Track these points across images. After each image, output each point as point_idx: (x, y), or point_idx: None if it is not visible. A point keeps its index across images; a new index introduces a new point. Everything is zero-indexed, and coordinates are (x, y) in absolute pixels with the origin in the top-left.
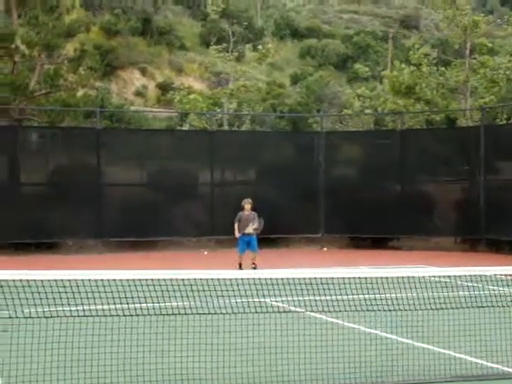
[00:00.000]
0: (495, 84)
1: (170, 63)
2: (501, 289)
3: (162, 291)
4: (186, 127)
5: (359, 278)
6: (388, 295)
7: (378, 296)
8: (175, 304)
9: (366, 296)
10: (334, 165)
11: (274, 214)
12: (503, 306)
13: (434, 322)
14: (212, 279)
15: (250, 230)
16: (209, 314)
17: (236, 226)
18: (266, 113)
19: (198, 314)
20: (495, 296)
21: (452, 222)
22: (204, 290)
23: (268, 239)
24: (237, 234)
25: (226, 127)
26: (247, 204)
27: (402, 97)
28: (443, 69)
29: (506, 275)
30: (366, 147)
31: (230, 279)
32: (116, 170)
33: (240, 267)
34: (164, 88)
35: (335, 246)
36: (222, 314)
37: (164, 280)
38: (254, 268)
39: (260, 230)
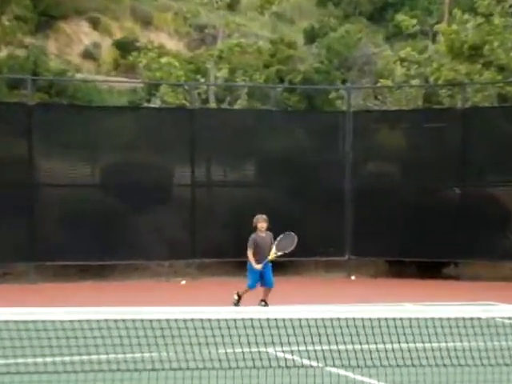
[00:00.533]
0: None
1: (132, 12)
2: None
3: (121, 337)
4: (155, 103)
5: (400, 318)
6: (442, 344)
7: (427, 345)
8: (139, 355)
9: (411, 345)
10: (367, 158)
11: (280, 227)
12: None
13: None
14: (192, 320)
15: (272, 256)
16: (188, 369)
17: (250, 253)
18: (270, 84)
19: (172, 369)
20: None
21: None
22: (181, 336)
23: (273, 264)
24: (257, 266)
25: (212, 104)
26: (261, 222)
27: (464, 61)
28: None
29: None
30: (413, 133)
31: (218, 320)
32: (56, 164)
33: (238, 303)
34: (124, 48)
35: (367, 273)
36: (206, 369)
37: (123, 321)
38: (265, 305)
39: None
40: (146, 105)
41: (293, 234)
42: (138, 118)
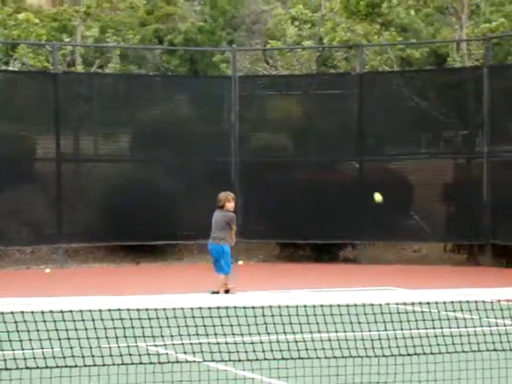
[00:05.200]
0: None
1: None
2: (509, 322)
3: None
4: (13, 66)
5: (287, 306)
6: (332, 334)
7: (316, 336)
8: None
9: (298, 336)
10: (255, 129)
11: (158, 208)
12: None
13: (405, 376)
14: (51, 312)
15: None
16: (46, 367)
17: (234, 233)
18: (147, 45)
19: (28, 368)
20: (499, 334)
21: (439, 221)
22: (38, 330)
23: (147, 248)
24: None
25: (79, 67)
26: (232, 202)
27: (361, 20)
28: None
29: None
30: (305, 100)
31: (81, 311)
32: None
33: (226, 292)
34: None
35: (256, 257)
36: (67, 367)
37: None
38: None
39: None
40: (2, 68)
41: None
42: None
